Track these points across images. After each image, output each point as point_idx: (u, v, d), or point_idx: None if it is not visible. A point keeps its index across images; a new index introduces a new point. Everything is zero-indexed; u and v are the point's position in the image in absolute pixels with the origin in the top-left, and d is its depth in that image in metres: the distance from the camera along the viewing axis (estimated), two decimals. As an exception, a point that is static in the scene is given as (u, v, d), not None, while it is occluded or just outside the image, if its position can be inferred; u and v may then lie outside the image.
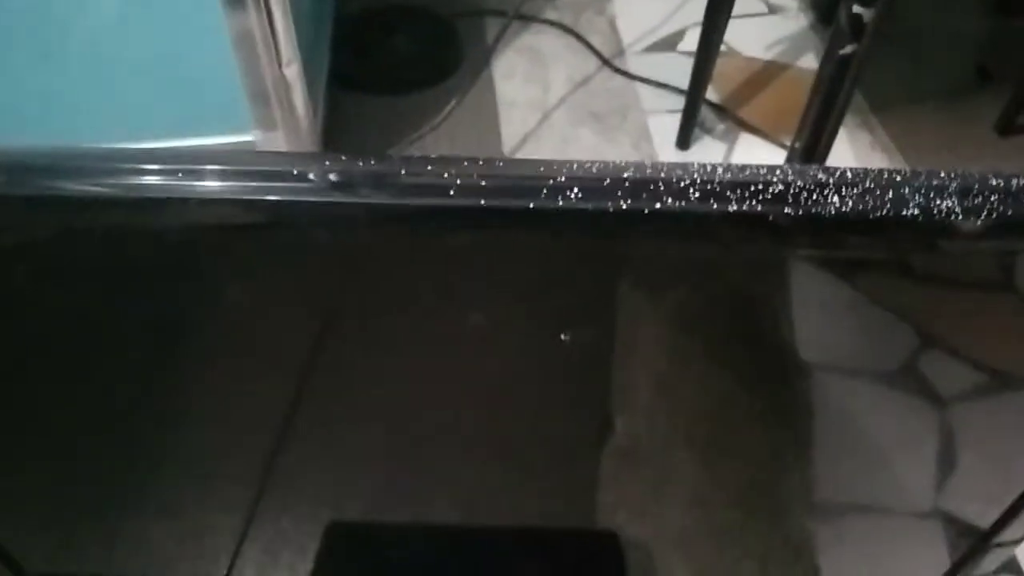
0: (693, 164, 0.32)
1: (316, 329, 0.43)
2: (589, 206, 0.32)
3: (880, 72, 1.32)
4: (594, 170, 0.32)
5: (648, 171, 0.32)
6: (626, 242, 0.35)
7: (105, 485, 0.55)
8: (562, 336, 0.39)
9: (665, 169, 0.32)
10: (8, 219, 0.35)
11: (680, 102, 1.23)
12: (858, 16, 0.81)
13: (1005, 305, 0.37)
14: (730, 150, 1.25)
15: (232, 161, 0.34)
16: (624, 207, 0.31)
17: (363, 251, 0.38)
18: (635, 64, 1.39)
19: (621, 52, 1.41)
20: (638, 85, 1.34)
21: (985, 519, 0.51)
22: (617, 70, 1.37)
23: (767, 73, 1.37)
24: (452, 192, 0.32)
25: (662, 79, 1.34)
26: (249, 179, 0.33)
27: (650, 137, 1.26)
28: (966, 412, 0.44)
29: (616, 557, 0.59)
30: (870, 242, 0.32)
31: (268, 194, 0.33)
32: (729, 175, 0.32)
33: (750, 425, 0.49)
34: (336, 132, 1.16)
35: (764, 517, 0.56)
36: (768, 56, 1.40)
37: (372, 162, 0.33)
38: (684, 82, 1.23)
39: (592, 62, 1.39)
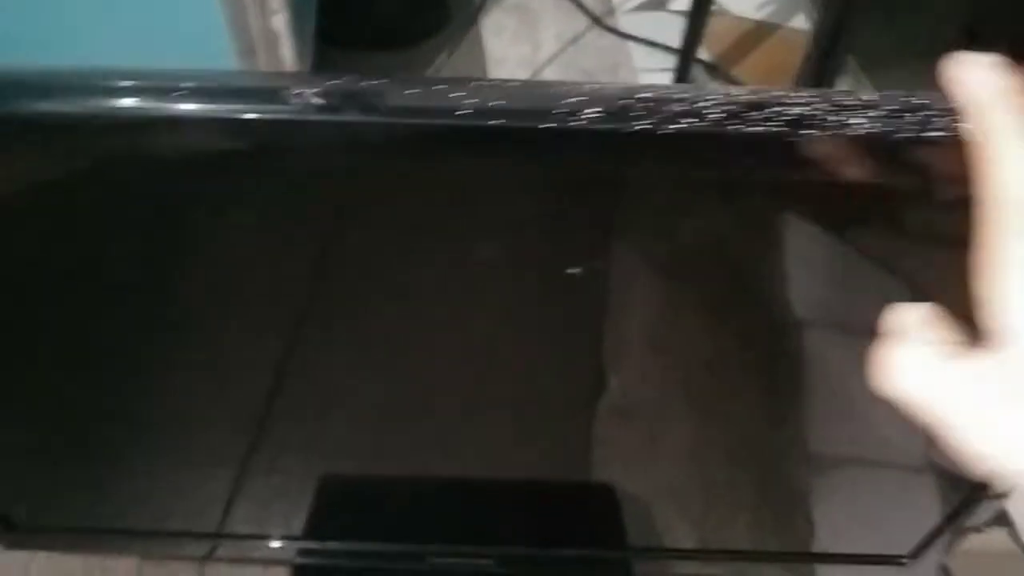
0: (712, 87, 0.31)
1: (307, 265, 0.42)
2: (602, 127, 0.31)
3: (871, 32, 1.31)
4: (607, 91, 0.31)
5: (664, 91, 0.31)
6: (637, 168, 0.34)
7: (97, 436, 0.54)
8: (568, 271, 0.38)
9: (686, 90, 0.31)
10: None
11: (670, 61, 1.22)
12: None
13: None
14: (721, 109, 1.24)
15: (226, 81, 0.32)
16: (637, 128, 0.31)
17: (355, 178, 0.36)
18: (625, 23, 1.37)
19: (611, 11, 1.40)
20: (629, 44, 1.33)
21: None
22: (608, 28, 1.35)
23: (758, 33, 1.36)
24: (458, 112, 0.31)
25: (653, 38, 1.33)
26: (238, 99, 0.32)
27: (641, 96, 1.24)
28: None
29: (613, 510, 0.58)
30: (896, 165, 0.31)
31: (261, 113, 0.32)
32: (751, 96, 0.31)
33: (744, 379, 0.49)
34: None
35: (758, 471, 0.56)
36: (759, 16, 1.39)
37: (365, 81, 0.32)
38: (674, 41, 1.22)
39: (582, 20, 1.37)
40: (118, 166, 0.36)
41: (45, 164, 0.36)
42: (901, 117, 0.31)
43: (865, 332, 0.42)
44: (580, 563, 0.60)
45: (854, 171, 0.32)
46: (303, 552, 0.60)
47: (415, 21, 1.28)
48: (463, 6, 1.35)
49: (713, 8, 1.36)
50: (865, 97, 0.31)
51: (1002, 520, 0.76)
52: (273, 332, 0.45)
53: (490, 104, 0.31)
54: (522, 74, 1.26)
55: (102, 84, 0.32)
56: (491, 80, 0.32)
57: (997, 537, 0.75)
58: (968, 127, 0.26)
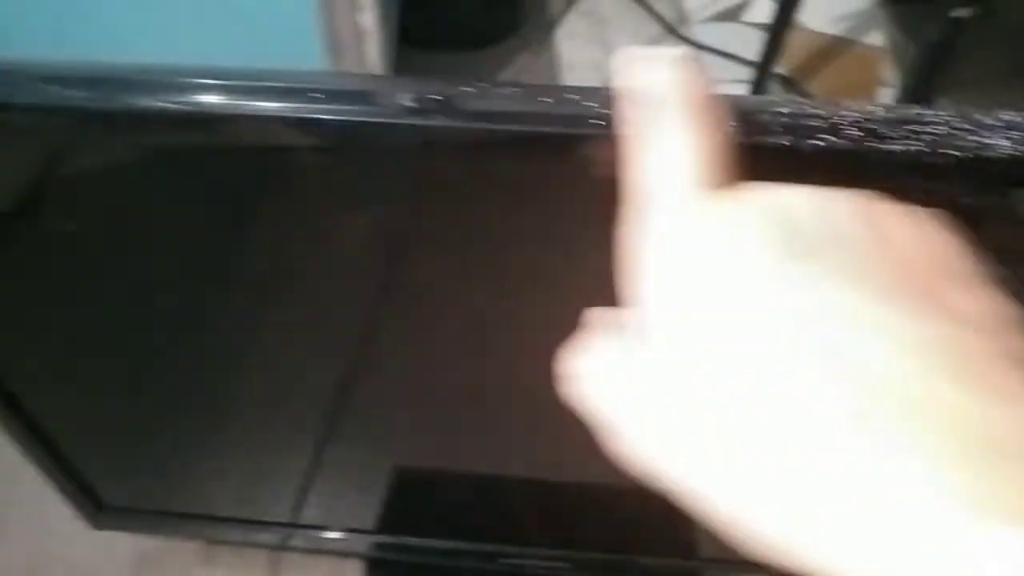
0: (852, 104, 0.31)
1: (383, 264, 0.42)
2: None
3: (978, 54, 1.29)
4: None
5: (762, 102, 0.31)
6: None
7: (179, 423, 0.55)
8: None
9: (819, 106, 0.31)
10: (87, 133, 0.35)
11: (742, 73, 1.20)
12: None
13: None
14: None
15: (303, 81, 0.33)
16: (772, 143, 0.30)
17: (430, 178, 0.37)
18: (698, 33, 1.36)
19: (685, 20, 1.39)
20: (702, 54, 1.32)
21: None
22: (681, 37, 1.34)
23: (833, 48, 1.34)
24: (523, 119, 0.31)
25: (725, 48, 1.32)
26: (318, 100, 0.32)
27: (712, 107, 1.23)
28: None
29: (688, 519, 0.58)
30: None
31: (339, 115, 0.32)
32: (885, 112, 0.31)
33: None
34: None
35: None
36: (834, 31, 1.37)
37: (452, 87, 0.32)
38: (748, 52, 1.20)
39: (654, 28, 1.36)
40: (208, 163, 0.36)
41: (137, 158, 0.37)
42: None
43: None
44: (655, 572, 0.60)
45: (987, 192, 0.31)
46: (377, 546, 0.61)
47: (490, 24, 1.29)
48: (538, 10, 1.36)
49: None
50: (1005, 116, 0.31)
51: None
52: (351, 326, 0.46)
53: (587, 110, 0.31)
54: (593, 78, 1.26)
55: (194, 82, 0.32)
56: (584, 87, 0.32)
57: None
58: (627, 116, 0.25)
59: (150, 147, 0.36)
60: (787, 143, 0.30)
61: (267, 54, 0.84)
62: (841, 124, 0.30)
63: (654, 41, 1.34)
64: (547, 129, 0.31)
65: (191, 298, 0.45)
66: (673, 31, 1.35)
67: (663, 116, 0.24)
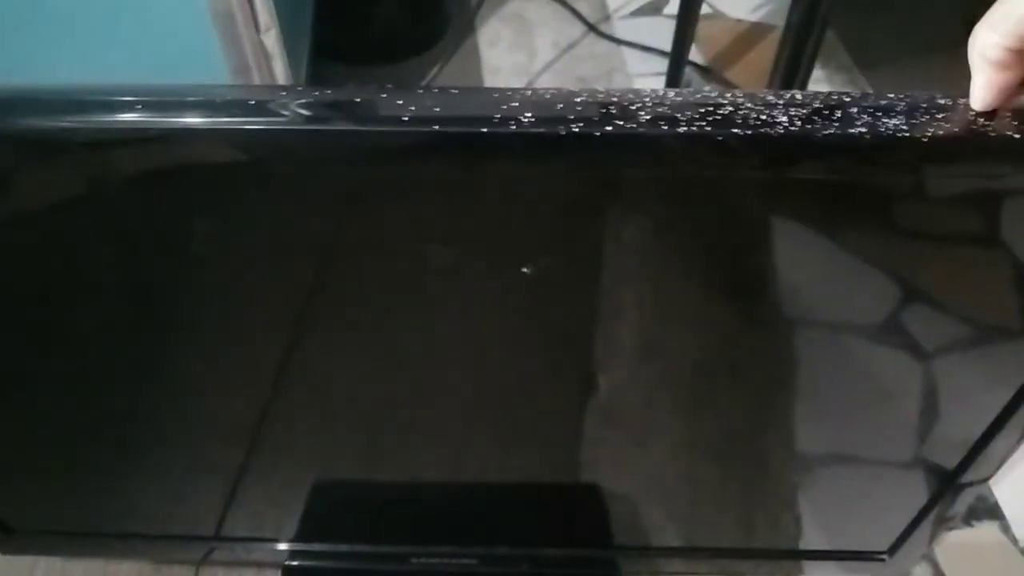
0: (645, 89, 0.33)
1: (303, 273, 0.43)
2: (542, 130, 0.32)
3: (865, 28, 1.32)
4: (547, 96, 0.33)
5: (600, 96, 0.32)
6: (582, 168, 0.35)
7: (95, 443, 0.55)
8: (523, 270, 0.39)
9: (618, 94, 0.32)
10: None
11: (664, 65, 1.23)
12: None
13: (985, 256, 0.38)
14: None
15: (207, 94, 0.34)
16: (576, 130, 0.32)
17: (333, 185, 0.38)
18: (621, 29, 1.38)
19: (607, 17, 1.41)
20: (624, 49, 1.34)
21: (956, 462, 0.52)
22: (603, 35, 1.36)
23: (753, 35, 1.36)
24: (406, 119, 0.32)
25: (648, 43, 1.34)
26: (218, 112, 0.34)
27: (636, 101, 1.25)
28: (948, 363, 0.45)
29: (599, 509, 0.59)
30: (820, 162, 0.32)
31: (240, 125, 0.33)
32: (680, 99, 0.32)
33: (732, 378, 0.49)
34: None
35: (746, 469, 0.57)
36: (754, 18, 1.40)
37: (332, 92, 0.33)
38: (667, 45, 1.22)
39: (577, 28, 1.38)
40: (122, 179, 0.37)
41: (52, 180, 0.38)
42: (825, 114, 0.32)
43: (848, 328, 0.43)
44: (566, 562, 0.61)
45: (785, 170, 0.33)
46: (293, 554, 0.62)
47: (412, 33, 1.30)
48: (459, 15, 1.37)
49: (707, 11, 1.37)
50: (789, 96, 0.32)
51: (993, 514, 0.76)
52: (268, 341, 0.47)
53: (436, 110, 0.32)
54: (518, 83, 1.27)
55: (106, 100, 0.34)
56: (436, 89, 0.33)
57: (988, 531, 0.75)
58: None
59: (59, 169, 0.37)
60: (578, 129, 0.31)
61: (175, 79, 0.85)
62: (638, 110, 0.32)
63: (576, 41, 1.36)
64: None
65: (110, 318, 0.46)
66: (594, 29, 1.37)
67: None
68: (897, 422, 0.50)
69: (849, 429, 0.52)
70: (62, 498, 0.60)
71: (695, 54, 1.24)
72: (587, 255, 0.41)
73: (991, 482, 0.75)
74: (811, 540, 0.60)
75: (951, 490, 0.53)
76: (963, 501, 0.54)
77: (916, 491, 0.54)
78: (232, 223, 0.40)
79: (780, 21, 1.40)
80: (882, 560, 0.59)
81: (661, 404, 0.51)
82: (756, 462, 0.56)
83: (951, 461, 0.50)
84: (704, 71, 1.29)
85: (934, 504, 0.54)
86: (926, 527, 0.56)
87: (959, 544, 0.73)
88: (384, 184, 0.37)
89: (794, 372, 0.48)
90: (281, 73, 0.87)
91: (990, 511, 0.75)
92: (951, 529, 0.72)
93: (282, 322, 0.46)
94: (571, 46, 1.34)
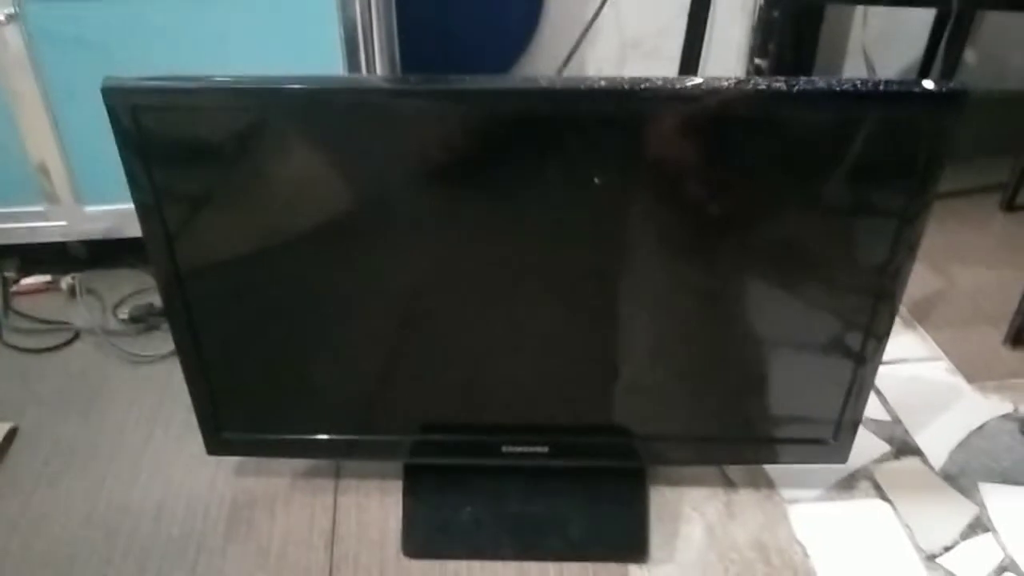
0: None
1: (459, 212, 0.69)
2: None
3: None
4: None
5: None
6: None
7: (293, 359, 0.78)
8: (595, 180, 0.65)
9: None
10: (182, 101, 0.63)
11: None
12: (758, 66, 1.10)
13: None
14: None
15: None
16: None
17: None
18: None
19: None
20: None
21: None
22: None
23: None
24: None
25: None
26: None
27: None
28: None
29: (623, 407, 0.81)
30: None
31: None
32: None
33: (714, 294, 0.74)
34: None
35: (720, 373, 0.80)
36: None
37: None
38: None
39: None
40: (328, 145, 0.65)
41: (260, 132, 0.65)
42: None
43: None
44: (603, 447, 0.85)
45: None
46: (414, 451, 0.84)
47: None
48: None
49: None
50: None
51: (915, 451, 0.99)
52: (409, 272, 0.72)
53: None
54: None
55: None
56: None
57: (912, 463, 0.98)
58: None
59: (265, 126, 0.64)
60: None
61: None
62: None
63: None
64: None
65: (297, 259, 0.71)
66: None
67: None
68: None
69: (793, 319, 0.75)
70: (258, 406, 0.81)
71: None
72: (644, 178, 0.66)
73: (912, 429, 1.00)
74: (778, 431, 0.82)
75: (860, 371, 0.76)
76: (868, 382, 0.77)
77: (840, 376, 0.77)
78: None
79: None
80: (828, 444, 0.83)
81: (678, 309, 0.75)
82: (729, 360, 0.78)
83: (856, 343, 0.74)
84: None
85: (852, 387, 0.77)
86: (850, 411, 0.79)
87: (892, 471, 0.96)
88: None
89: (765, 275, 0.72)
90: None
91: (913, 450, 0.99)
92: (885, 461, 0.96)
93: (421, 258, 0.70)
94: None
